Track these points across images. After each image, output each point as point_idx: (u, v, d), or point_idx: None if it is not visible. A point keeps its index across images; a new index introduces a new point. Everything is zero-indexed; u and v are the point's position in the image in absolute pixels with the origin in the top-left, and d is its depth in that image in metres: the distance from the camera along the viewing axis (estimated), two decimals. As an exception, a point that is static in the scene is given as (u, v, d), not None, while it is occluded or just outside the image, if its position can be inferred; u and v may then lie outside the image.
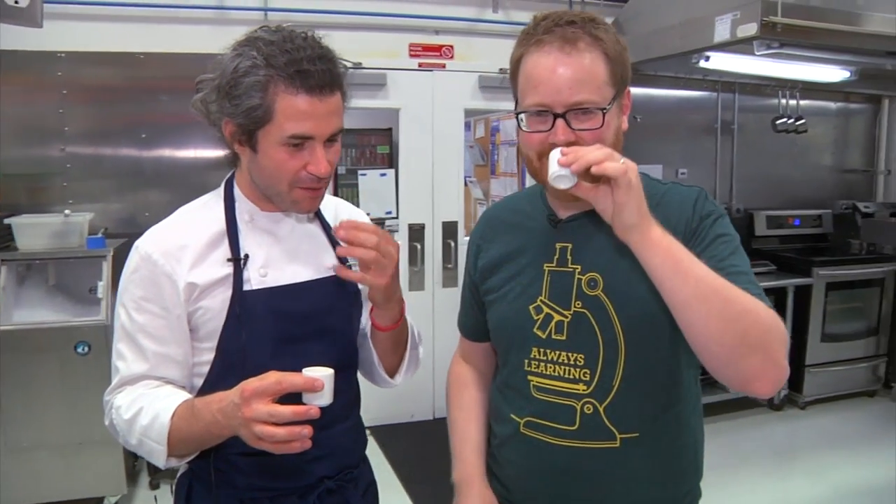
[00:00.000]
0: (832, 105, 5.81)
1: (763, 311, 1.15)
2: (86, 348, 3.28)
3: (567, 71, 1.22)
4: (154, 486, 3.70)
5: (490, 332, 1.48)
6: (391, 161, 4.75)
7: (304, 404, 1.14)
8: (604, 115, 1.23)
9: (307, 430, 1.13)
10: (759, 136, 5.45)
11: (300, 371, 1.17)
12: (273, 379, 1.13)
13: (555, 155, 1.15)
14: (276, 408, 1.11)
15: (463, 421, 1.53)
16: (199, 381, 1.36)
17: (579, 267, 1.31)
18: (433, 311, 4.65)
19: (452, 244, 4.75)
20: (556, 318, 1.32)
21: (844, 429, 4.65)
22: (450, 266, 4.77)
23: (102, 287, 3.34)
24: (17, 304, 3.33)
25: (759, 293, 1.19)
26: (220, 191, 1.42)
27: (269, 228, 1.40)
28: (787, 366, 1.17)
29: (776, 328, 1.16)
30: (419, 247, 4.65)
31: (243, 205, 1.39)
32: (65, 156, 3.89)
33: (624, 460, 1.30)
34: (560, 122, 1.23)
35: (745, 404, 4.74)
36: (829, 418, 4.82)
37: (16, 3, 2.03)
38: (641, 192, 1.13)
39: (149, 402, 1.27)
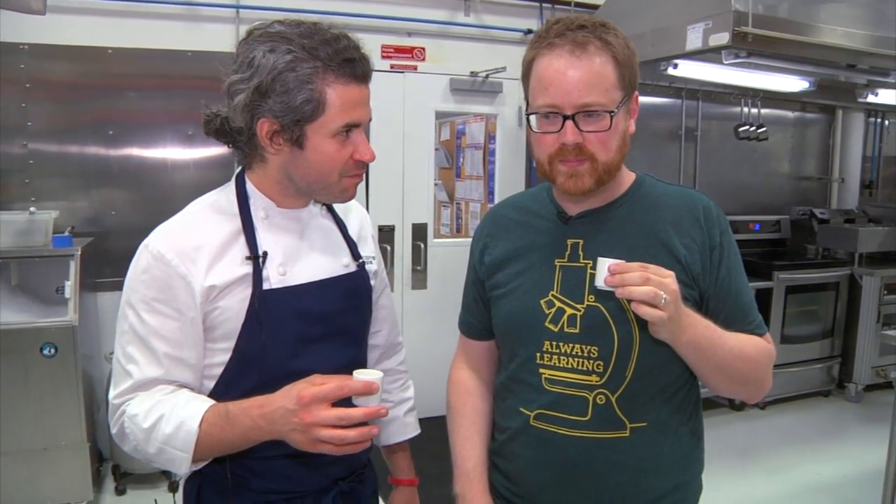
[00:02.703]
0: (790, 114, 5.99)
1: (763, 355, 1.37)
2: (52, 350, 3.19)
3: (577, 73, 1.25)
4: (120, 491, 3.61)
5: (495, 328, 1.49)
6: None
7: (351, 406, 1.15)
8: (611, 117, 1.27)
9: (376, 430, 1.16)
10: (721, 143, 5.58)
11: (316, 371, 1.18)
12: (334, 384, 1.14)
13: (604, 263, 1.19)
14: (347, 411, 1.13)
15: (465, 430, 1.53)
16: (211, 384, 1.32)
17: (591, 262, 1.33)
18: (402, 313, 4.65)
19: (422, 246, 4.75)
20: (569, 311, 1.35)
21: (802, 427, 4.79)
22: (419, 268, 4.77)
23: (70, 287, 3.25)
24: (-21, 305, 3.23)
25: (759, 324, 1.40)
26: (231, 187, 1.37)
27: (286, 225, 1.37)
28: (771, 381, 1.41)
29: (769, 361, 1.39)
30: (389, 249, 4.64)
31: (258, 201, 1.35)
32: (27, 152, 3.78)
33: (633, 449, 1.33)
34: (569, 123, 1.26)
35: (707, 405, 4.83)
36: (787, 417, 4.97)
37: None
38: (678, 320, 1.21)
39: (170, 409, 1.22)
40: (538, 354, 1.37)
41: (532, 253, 1.42)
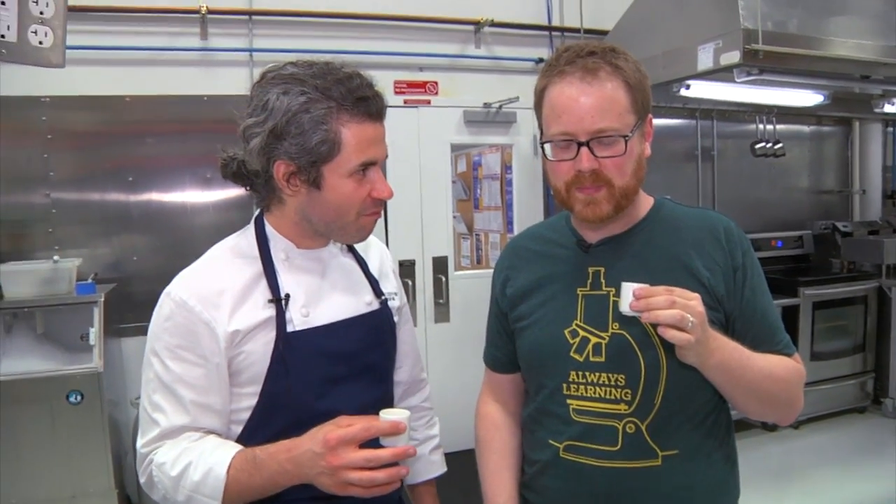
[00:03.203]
0: (806, 129, 5.95)
1: (793, 375, 1.35)
2: (78, 397, 3.20)
3: (589, 100, 1.26)
4: (150, 537, 3.60)
5: (521, 360, 1.48)
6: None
7: (379, 447, 1.15)
8: (626, 142, 1.27)
9: (405, 471, 1.16)
10: (738, 161, 5.55)
11: (343, 411, 1.19)
12: (361, 426, 1.13)
13: (628, 288, 1.18)
14: (374, 452, 1.13)
15: (495, 465, 1.52)
16: (238, 428, 1.31)
17: (613, 289, 1.32)
18: (426, 347, 4.62)
19: (443, 279, 4.74)
20: (594, 340, 1.33)
21: (838, 446, 4.68)
22: (441, 301, 4.75)
23: (94, 333, 3.27)
24: (5, 354, 3.25)
25: (787, 344, 1.38)
26: (250, 230, 1.38)
27: (307, 266, 1.37)
28: (802, 402, 1.39)
29: (799, 381, 1.36)
30: (410, 283, 4.63)
31: (278, 243, 1.36)
32: (50, 201, 3.83)
33: (665, 478, 1.31)
34: (584, 150, 1.27)
35: (740, 426, 4.72)
36: (822, 436, 4.85)
37: (40, 43, 1.99)
38: (705, 343, 1.19)
39: (197, 456, 1.22)
40: (565, 385, 1.36)
41: (554, 283, 1.41)
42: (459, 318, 4.74)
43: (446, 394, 3.98)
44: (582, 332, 1.35)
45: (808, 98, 4.71)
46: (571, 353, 1.35)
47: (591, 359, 1.33)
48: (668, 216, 1.41)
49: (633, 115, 1.29)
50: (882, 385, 5.21)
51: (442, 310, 4.75)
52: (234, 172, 1.35)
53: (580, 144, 1.26)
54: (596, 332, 1.34)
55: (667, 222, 1.40)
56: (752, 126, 5.31)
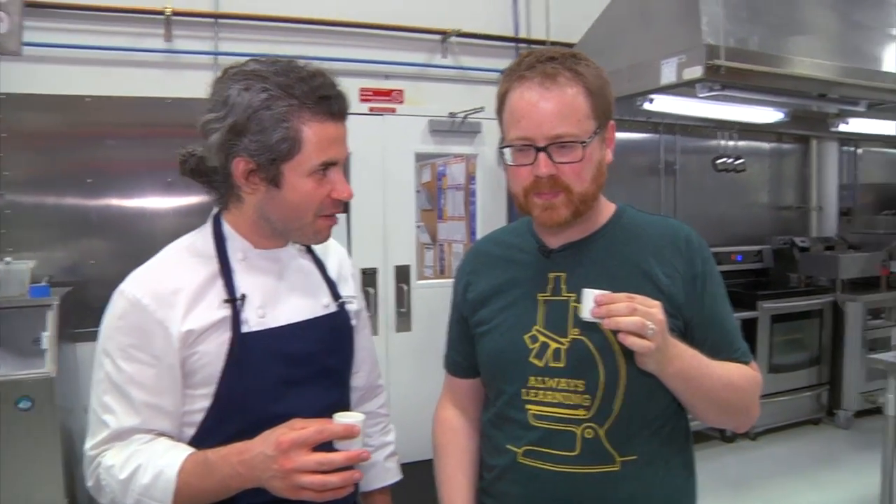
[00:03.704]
0: (766, 146, 6.07)
1: (750, 383, 1.35)
2: (28, 403, 3.11)
3: (548, 105, 1.26)
4: (101, 547, 3.51)
5: (481, 365, 1.47)
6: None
7: (332, 450, 1.13)
8: (583, 147, 1.27)
9: (359, 475, 1.13)
10: (700, 176, 5.63)
11: (299, 414, 1.16)
12: (314, 429, 1.11)
13: (589, 294, 1.18)
14: (328, 456, 1.11)
15: (451, 469, 1.50)
16: (191, 431, 1.27)
17: (573, 295, 1.32)
18: (387, 356, 4.59)
19: (406, 288, 4.72)
20: (553, 345, 1.33)
21: (794, 456, 4.75)
22: (403, 311, 4.73)
23: (47, 338, 3.18)
24: (-47, 359, 3.16)
25: (745, 353, 1.39)
26: (207, 229, 1.35)
27: (264, 266, 1.35)
28: (759, 409, 1.40)
29: (756, 389, 1.37)
30: (372, 291, 4.60)
31: (236, 243, 1.33)
32: (4, 202, 3.72)
33: (623, 484, 1.30)
34: (542, 155, 1.26)
35: (698, 437, 4.80)
36: (779, 447, 4.93)
37: None
38: (664, 351, 1.20)
39: (147, 459, 1.19)
40: (524, 390, 1.35)
41: (515, 288, 1.40)
42: (421, 328, 4.73)
43: (407, 403, 3.95)
44: (542, 338, 1.34)
45: (767, 115, 4.81)
46: (531, 359, 1.34)
47: (551, 364, 1.32)
48: (630, 223, 1.41)
49: (593, 121, 1.29)
50: (836, 397, 5.31)
51: (403, 319, 4.73)
52: (193, 169, 1.32)
53: (538, 150, 1.26)
54: (556, 337, 1.33)
55: (628, 229, 1.40)
56: (714, 142, 5.40)
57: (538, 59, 1.30)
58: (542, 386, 1.33)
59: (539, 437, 1.33)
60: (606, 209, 1.42)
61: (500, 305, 1.41)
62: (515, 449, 1.36)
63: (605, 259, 1.36)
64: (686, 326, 1.34)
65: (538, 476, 1.33)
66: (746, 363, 1.38)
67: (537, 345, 1.34)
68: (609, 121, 1.34)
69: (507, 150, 1.32)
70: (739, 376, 1.34)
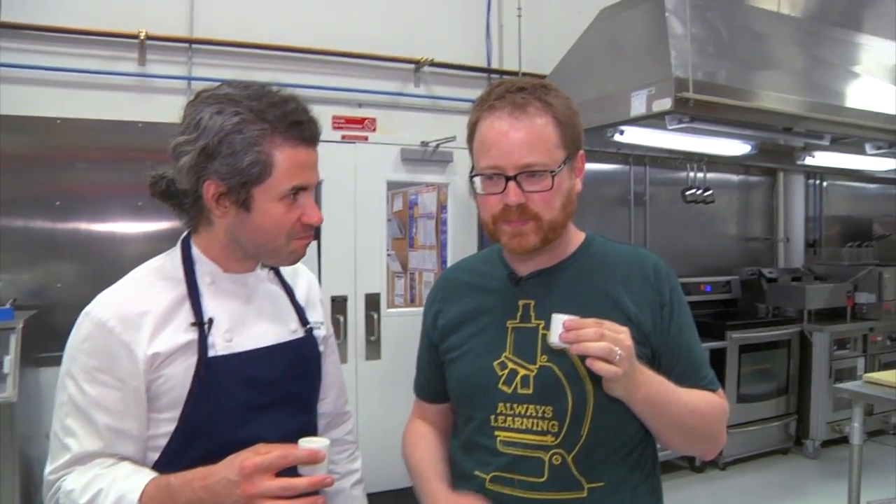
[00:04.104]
0: (734, 177, 6.17)
1: (717, 410, 1.36)
2: (-12, 430, 3.04)
3: (517, 134, 1.28)
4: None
5: (450, 392, 1.47)
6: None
7: (297, 476, 1.12)
8: (553, 177, 1.28)
9: (322, 500, 1.11)
10: (669, 207, 5.70)
11: (265, 440, 1.14)
12: (277, 453, 1.10)
13: (558, 319, 1.19)
14: (290, 481, 1.09)
15: (423, 461, 1.49)
16: (155, 455, 1.25)
17: (542, 322, 1.33)
18: (357, 384, 4.56)
19: (375, 316, 4.70)
20: (522, 372, 1.33)
21: (763, 486, 4.78)
22: (373, 339, 4.70)
23: (10, 361, 3.10)
24: (-89, 385, 3.07)
25: (712, 380, 1.40)
26: (176, 252, 1.34)
27: (232, 291, 1.34)
28: (726, 436, 1.42)
29: (723, 416, 1.38)
30: (342, 319, 4.57)
31: (204, 266, 1.32)
32: (-32, 224, 3.67)
33: None
34: (511, 184, 1.28)
35: (667, 468, 4.83)
36: (748, 477, 4.95)
37: None
38: (632, 377, 1.20)
39: (108, 484, 1.16)
40: (492, 417, 1.35)
41: (484, 315, 1.41)
42: (391, 356, 4.70)
43: (375, 432, 3.92)
44: (511, 365, 1.34)
45: (736, 147, 4.89)
46: (500, 385, 1.34)
47: (520, 391, 1.32)
48: (598, 252, 1.43)
49: (562, 151, 1.31)
50: (804, 427, 5.35)
51: (373, 347, 4.70)
52: (163, 191, 1.31)
53: (508, 178, 1.28)
54: (524, 364, 1.33)
55: (597, 258, 1.41)
56: (683, 173, 5.47)
57: (508, 90, 1.32)
58: (510, 412, 1.33)
59: (507, 464, 1.33)
60: (576, 237, 1.44)
61: (469, 332, 1.41)
62: (483, 475, 1.35)
63: (574, 287, 1.37)
64: (654, 354, 1.35)
65: (505, 503, 1.32)
66: (713, 391, 1.39)
67: (506, 371, 1.34)
68: (578, 150, 1.36)
69: (477, 179, 1.34)
70: (706, 403, 1.35)
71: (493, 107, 1.31)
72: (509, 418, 1.33)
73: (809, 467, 5.14)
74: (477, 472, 1.37)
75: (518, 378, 1.33)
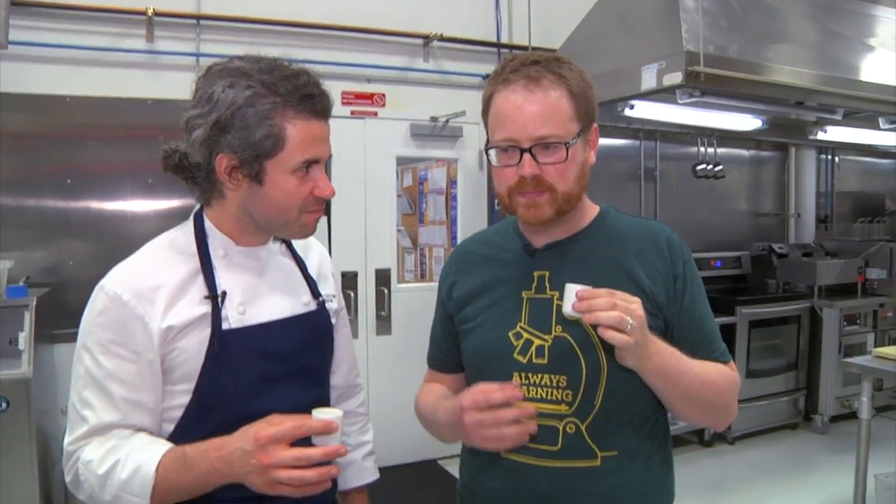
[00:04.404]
0: (745, 153, 6.13)
1: (728, 382, 1.38)
2: (4, 404, 3.08)
3: (532, 107, 1.29)
4: (76, 552, 3.47)
5: (465, 362, 1.48)
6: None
7: (311, 447, 1.13)
8: (567, 149, 1.29)
9: (336, 470, 1.13)
10: (680, 183, 5.68)
11: (278, 411, 1.16)
12: (292, 424, 1.11)
13: (571, 289, 1.20)
14: (305, 451, 1.11)
15: (434, 396, 1.50)
16: (170, 427, 1.27)
17: (557, 293, 1.34)
18: (367, 359, 4.59)
19: (386, 292, 4.72)
20: (537, 342, 1.35)
21: (771, 461, 4.79)
22: (383, 314, 4.73)
23: (24, 338, 3.15)
24: (-74, 360, 3.12)
25: (723, 352, 1.42)
26: (189, 226, 1.35)
27: (245, 264, 1.35)
28: (737, 408, 1.42)
29: (734, 388, 1.40)
30: (352, 295, 4.60)
31: (217, 240, 1.33)
32: (-20, 202, 3.69)
33: (604, 479, 1.33)
34: (526, 156, 1.29)
35: (676, 441, 4.83)
36: (756, 451, 4.96)
37: None
38: (644, 347, 1.21)
39: (126, 454, 1.18)
40: None
41: (499, 286, 1.43)
42: (401, 331, 4.73)
43: (385, 407, 3.95)
44: (526, 335, 1.36)
45: (747, 122, 4.87)
46: (515, 355, 1.36)
47: (534, 360, 1.34)
48: (613, 225, 1.44)
49: (576, 123, 1.32)
50: (813, 402, 5.36)
51: (384, 322, 4.73)
52: (176, 165, 1.32)
53: (523, 150, 1.29)
54: (539, 334, 1.35)
55: (611, 230, 1.43)
56: (694, 148, 5.45)
57: (522, 63, 1.33)
58: (525, 382, 1.35)
59: None
60: (590, 210, 1.45)
61: (485, 303, 1.43)
62: None
63: (589, 258, 1.39)
64: (667, 326, 1.36)
65: (520, 471, 1.35)
66: (725, 363, 1.40)
67: (521, 341, 1.36)
68: (592, 123, 1.37)
69: (492, 152, 1.35)
70: (717, 375, 1.36)
71: (507, 80, 1.32)
72: (524, 388, 1.34)
73: (818, 442, 5.16)
74: None
75: (533, 348, 1.35)
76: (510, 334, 1.37)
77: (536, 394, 1.34)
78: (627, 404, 1.35)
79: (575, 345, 1.32)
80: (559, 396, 1.33)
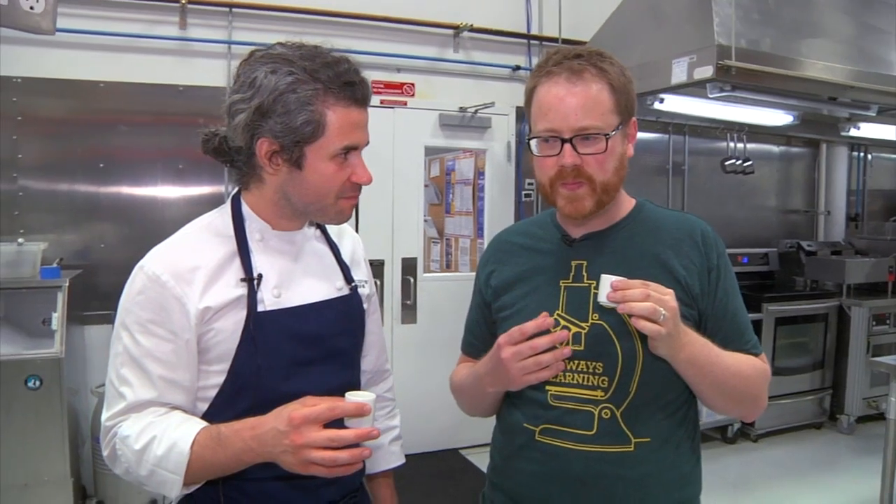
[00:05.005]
0: (775, 149, 6.07)
1: (759, 373, 1.40)
2: (37, 382, 3.15)
3: (574, 99, 1.33)
4: (104, 528, 3.55)
5: None
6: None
7: (343, 428, 1.15)
8: (607, 140, 1.33)
9: (368, 451, 1.15)
10: (708, 177, 5.65)
11: (311, 393, 1.18)
12: (325, 405, 1.14)
13: (607, 279, 1.24)
14: (338, 432, 1.13)
15: (467, 369, 1.53)
16: (204, 406, 1.30)
17: (594, 282, 1.37)
18: (392, 347, 4.62)
19: (412, 281, 4.75)
20: (574, 329, 1.38)
21: (795, 460, 4.77)
22: (409, 303, 4.76)
23: (56, 318, 3.22)
24: (-36, 338, 3.19)
25: (755, 345, 1.44)
26: (227, 209, 1.38)
27: (281, 248, 1.37)
28: (767, 400, 1.46)
29: (764, 379, 1.42)
30: (378, 283, 4.63)
31: (254, 223, 1.36)
32: (17, 185, 3.77)
33: (636, 464, 1.35)
34: (567, 146, 1.33)
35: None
36: (780, 450, 4.94)
37: (31, 8, 1.97)
38: (676, 337, 1.24)
39: (162, 431, 1.21)
40: None
41: (538, 275, 1.46)
42: (426, 320, 4.76)
43: (410, 395, 3.97)
44: (563, 322, 1.38)
45: (777, 118, 4.81)
46: None
47: (571, 347, 1.36)
48: (649, 217, 1.47)
49: (616, 116, 1.36)
50: (838, 402, 5.31)
51: (409, 311, 4.76)
52: (216, 148, 1.34)
53: (564, 141, 1.32)
54: (577, 321, 1.38)
55: (647, 222, 1.46)
56: (723, 143, 5.40)
57: (565, 56, 1.37)
58: (562, 368, 1.36)
59: (557, 417, 1.37)
60: (627, 203, 1.49)
61: (523, 291, 1.46)
62: (533, 427, 1.40)
63: (625, 249, 1.42)
64: (700, 317, 1.39)
65: (555, 454, 1.37)
66: (756, 355, 1.42)
67: (559, 328, 1.37)
68: (631, 117, 1.42)
69: (533, 142, 1.39)
70: (749, 366, 1.38)
71: (550, 73, 1.36)
72: (561, 374, 1.37)
73: (843, 442, 5.12)
74: (526, 425, 1.41)
75: (570, 335, 1.37)
76: None
77: (572, 379, 1.37)
78: (661, 392, 1.37)
79: (611, 332, 1.35)
80: (595, 382, 1.36)
